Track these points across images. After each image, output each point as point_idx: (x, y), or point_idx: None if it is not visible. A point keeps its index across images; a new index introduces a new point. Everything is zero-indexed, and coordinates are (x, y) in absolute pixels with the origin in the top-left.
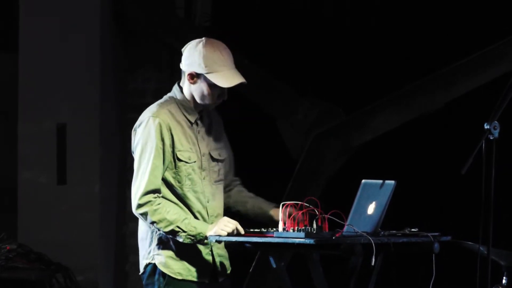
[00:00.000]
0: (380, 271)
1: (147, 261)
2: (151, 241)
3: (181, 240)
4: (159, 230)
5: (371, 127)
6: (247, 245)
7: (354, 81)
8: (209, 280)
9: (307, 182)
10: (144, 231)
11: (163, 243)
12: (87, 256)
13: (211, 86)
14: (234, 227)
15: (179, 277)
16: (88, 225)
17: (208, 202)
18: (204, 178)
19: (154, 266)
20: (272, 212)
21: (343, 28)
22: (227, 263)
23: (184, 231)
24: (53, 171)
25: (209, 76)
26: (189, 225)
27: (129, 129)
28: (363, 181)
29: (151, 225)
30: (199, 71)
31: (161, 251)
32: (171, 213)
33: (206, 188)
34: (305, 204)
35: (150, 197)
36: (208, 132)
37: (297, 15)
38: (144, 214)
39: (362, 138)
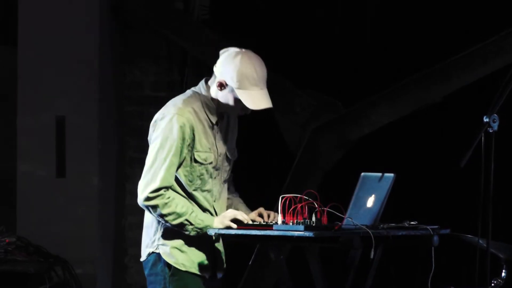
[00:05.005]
0: (379, 264)
1: (151, 250)
2: (156, 230)
3: (187, 233)
4: (166, 222)
5: (369, 121)
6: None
7: (353, 74)
8: (209, 275)
9: (305, 176)
10: (150, 218)
11: (168, 234)
12: (85, 249)
13: (237, 100)
14: (238, 217)
15: (183, 268)
16: (87, 218)
17: (215, 201)
18: (215, 178)
19: (158, 256)
20: (251, 216)
21: (341, 21)
22: (223, 259)
23: (191, 224)
24: (52, 164)
25: (238, 92)
26: (197, 218)
27: (128, 121)
28: (362, 174)
29: (159, 218)
30: (229, 83)
31: (166, 241)
32: (180, 206)
33: (215, 187)
34: (304, 197)
35: (161, 191)
36: (226, 132)
37: (295, 8)
38: (154, 207)
39: (360, 132)
